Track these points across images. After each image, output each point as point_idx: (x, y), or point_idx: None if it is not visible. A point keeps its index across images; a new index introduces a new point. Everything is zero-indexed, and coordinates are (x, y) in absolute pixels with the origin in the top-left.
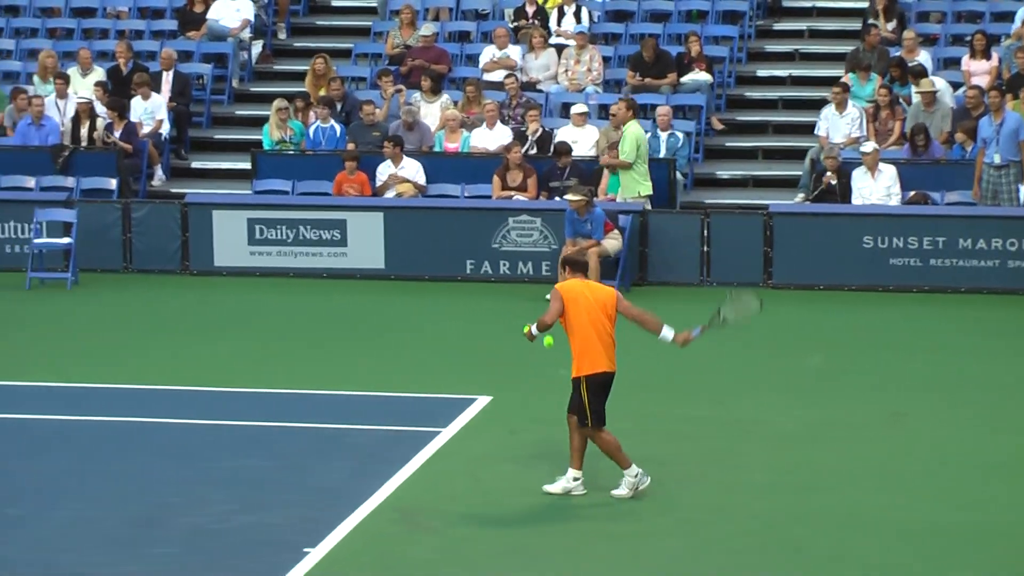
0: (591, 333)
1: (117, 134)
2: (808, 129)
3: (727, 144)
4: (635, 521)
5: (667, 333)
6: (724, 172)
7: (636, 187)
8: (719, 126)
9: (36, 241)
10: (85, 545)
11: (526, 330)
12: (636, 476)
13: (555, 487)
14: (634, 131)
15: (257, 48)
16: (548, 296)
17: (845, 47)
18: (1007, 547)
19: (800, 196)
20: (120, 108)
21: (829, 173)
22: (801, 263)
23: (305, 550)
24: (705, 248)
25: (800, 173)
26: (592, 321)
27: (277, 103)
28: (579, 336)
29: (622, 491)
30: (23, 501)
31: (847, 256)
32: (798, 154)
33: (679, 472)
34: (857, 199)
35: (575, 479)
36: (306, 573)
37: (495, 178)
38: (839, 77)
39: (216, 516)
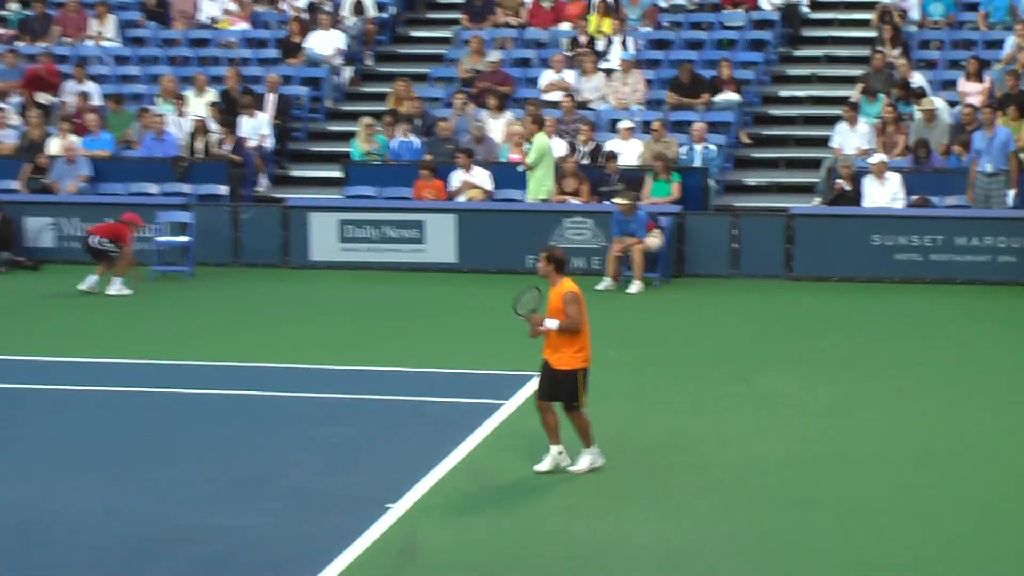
0: (586, 329)
1: (228, 148)
2: (824, 142)
3: (753, 155)
4: (673, 483)
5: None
6: (751, 179)
7: (539, 188)
8: (747, 139)
9: (158, 239)
10: (200, 501)
11: (538, 329)
12: (596, 453)
13: (544, 465)
14: (540, 141)
15: (348, 73)
16: (532, 288)
17: (856, 71)
18: (986, 508)
19: (817, 200)
20: (230, 125)
21: (842, 180)
22: (818, 258)
23: (387, 505)
24: (734, 245)
25: (817, 180)
26: (586, 318)
27: (365, 120)
28: (582, 332)
29: (581, 466)
30: (147, 464)
31: (858, 252)
32: (815, 164)
33: (708, 440)
34: (867, 202)
35: (559, 452)
36: (389, 526)
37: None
38: (851, 97)
39: (311, 476)
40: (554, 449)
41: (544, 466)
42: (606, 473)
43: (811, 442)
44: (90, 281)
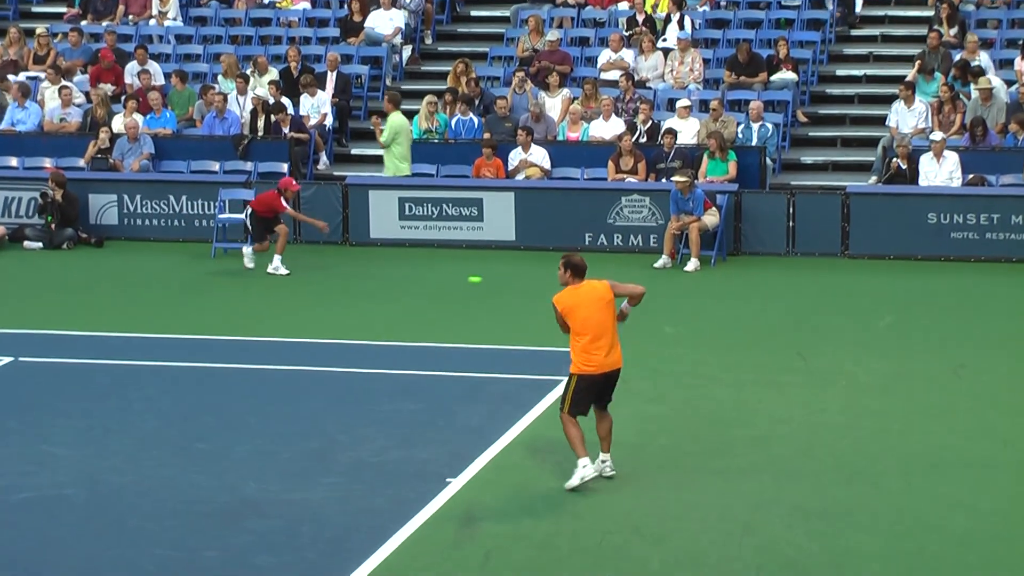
0: (593, 334)
1: (286, 130)
2: (881, 121)
3: (810, 134)
4: (731, 458)
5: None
6: (808, 158)
7: (395, 166)
8: (803, 118)
9: (220, 216)
10: (265, 475)
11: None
12: (584, 466)
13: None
14: (393, 120)
15: (407, 52)
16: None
17: (913, 50)
18: None
19: (873, 179)
20: (281, 109)
21: (899, 159)
22: (874, 236)
23: (447, 480)
24: (791, 223)
25: (874, 159)
26: (596, 323)
27: (428, 98)
28: (580, 338)
29: (572, 482)
30: (211, 438)
31: (914, 230)
32: (872, 142)
33: (768, 414)
34: (923, 181)
35: (603, 461)
36: (448, 499)
37: (610, 163)
38: (908, 76)
39: (374, 451)
40: (601, 456)
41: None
42: (666, 446)
43: (870, 417)
44: (247, 255)
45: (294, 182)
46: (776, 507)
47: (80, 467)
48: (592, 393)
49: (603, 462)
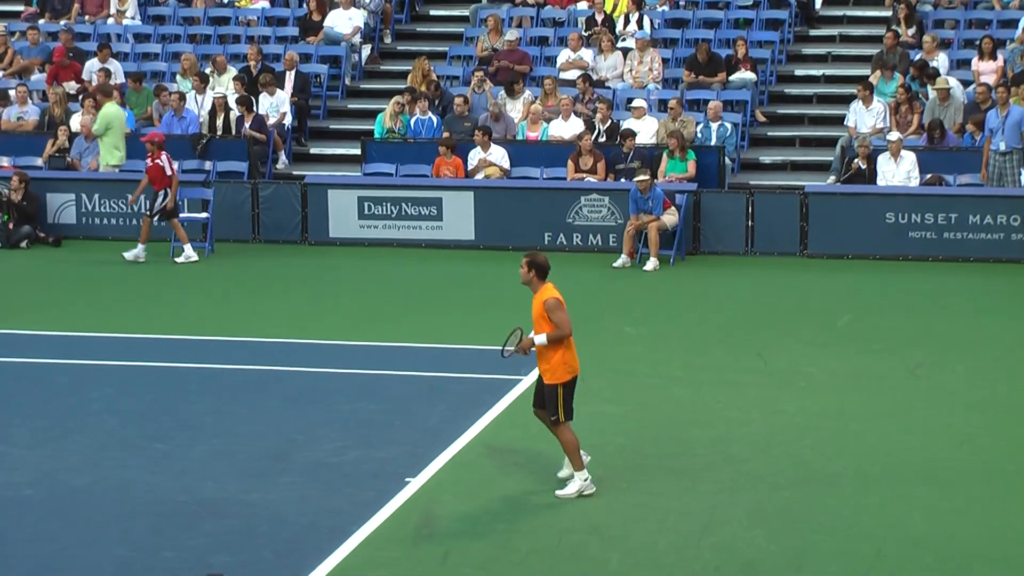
0: (572, 338)
1: (247, 125)
2: (839, 120)
3: (769, 133)
4: (690, 458)
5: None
6: (766, 157)
7: (108, 156)
8: (762, 118)
9: (179, 216)
10: (223, 475)
11: (514, 349)
12: (586, 480)
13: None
14: (106, 110)
15: (366, 51)
16: (515, 329)
17: (871, 50)
18: (1002, 480)
19: (832, 178)
20: (248, 103)
21: (858, 159)
22: (832, 236)
23: (407, 479)
24: (750, 223)
25: (832, 158)
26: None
27: (396, 98)
28: (566, 342)
29: (569, 491)
30: (169, 438)
31: (872, 230)
32: (830, 142)
33: (727, 415)
34: (881, 181)
35: (584, 479)
36: (407, 499)
37: (569, 162)
38: (866, 76)
39: (332, 451)
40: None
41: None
42: (624, 446)
43: (827, 417)
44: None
45: (157, 134)
46: (735, 507)
47: (38, 467)
48: (573, 393)
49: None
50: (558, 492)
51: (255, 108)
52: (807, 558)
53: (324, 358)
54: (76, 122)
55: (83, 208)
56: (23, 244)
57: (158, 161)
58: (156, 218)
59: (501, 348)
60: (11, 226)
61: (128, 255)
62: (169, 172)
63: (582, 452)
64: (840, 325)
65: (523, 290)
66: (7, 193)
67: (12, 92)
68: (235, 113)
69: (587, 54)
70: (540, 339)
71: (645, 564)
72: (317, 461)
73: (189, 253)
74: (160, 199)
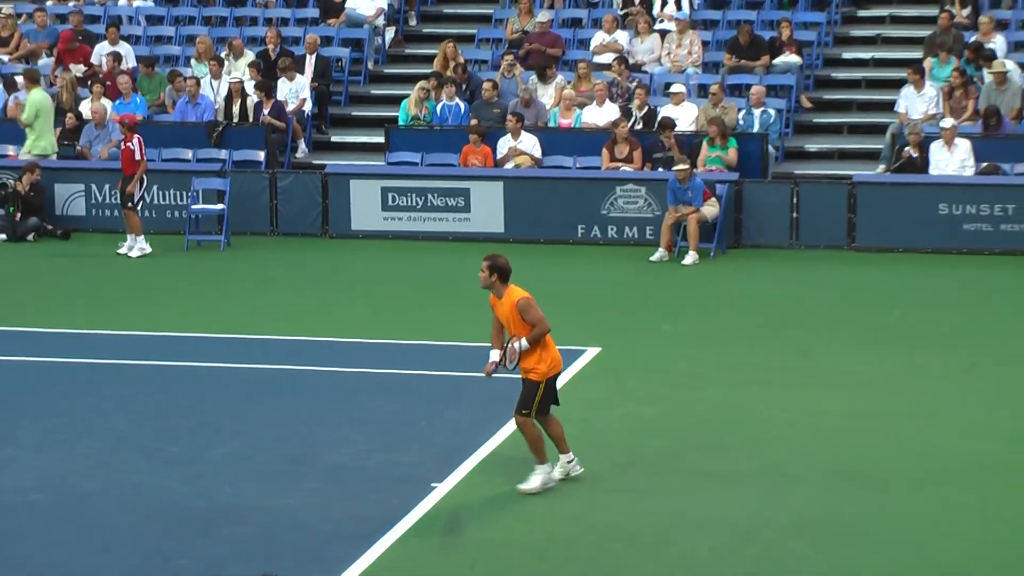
0: (550, 335)
1: (266, 111)
2: (889, 106)
3: (815, 120)
4: (729, 462)
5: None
6: (812, 145)
7: (32, 144)
8: (808, 104)
9: (193, 207)
10: (240, 479)
11: (513, 358)
12: (549, 472)
13: (555, 472)
14: (34, 97)
15: (390, 34)
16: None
17: (923, 32)
18: None
19: (881, 167)
20: (268, 89)
21: (909, 146)
22: (882, 228)
23: (433, 485)
24: (794, 214)
25: (882, 146)
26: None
27: (421, 83)
28: (544, 340)
29: (531, 484)
30: (184, 440)
31: (924, 222)
32: (880, 129)
33: (769, 417)
34: (934, 170)
35: (569, 461)
36: (433, 505)
37: (604, 151)
38: (918, 59)
39: (355, 454)
40: (562, 457)
41: (555, 474)
42: (661, 452)
43: (875, 419)
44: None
45: (130, 115)
46: (777, 515)
47: (46, 471)
48: (553, 394)
49: (569, 462)
50: (519, 486)
51: (274, 94)
52: (854, 569)
53: (345, 357)
54: (86, 108)
55: (93, 199)
56: (30, 237)
57: (129, 144)
58: (139, 204)
59: (501, 365)
60: (18, 218)
61: (133, 253)
62: (139, 157)
63: (576, 462)
64: (890, 322)
65: (555, 285)
66: (13, 184)
67: (19, 78)
68: (252, 99)
69: (623, 36)
70: (522, 344)
71: (684, 574)
72: (339, 465)
73: (143, 246)
74: (137, 185)
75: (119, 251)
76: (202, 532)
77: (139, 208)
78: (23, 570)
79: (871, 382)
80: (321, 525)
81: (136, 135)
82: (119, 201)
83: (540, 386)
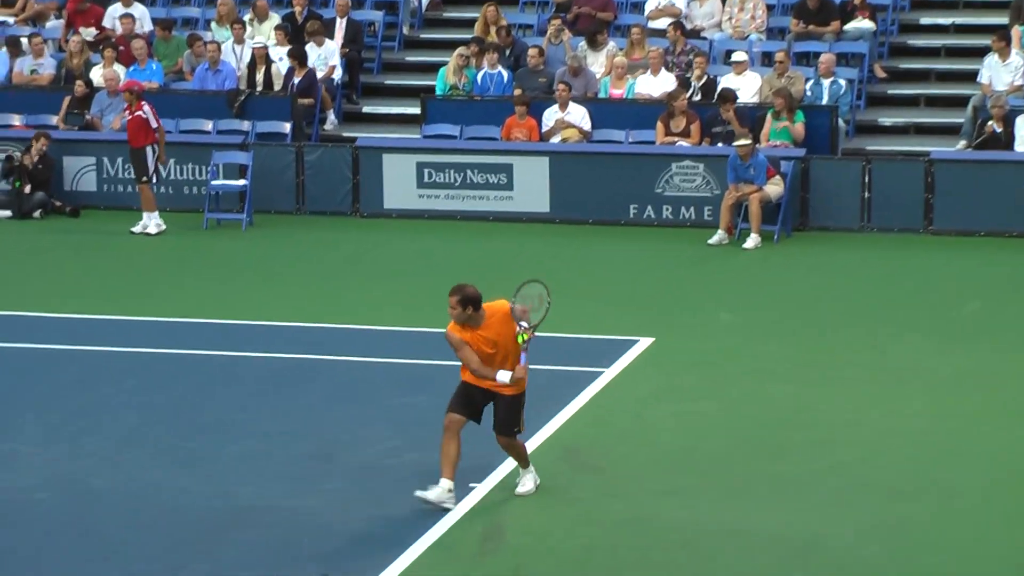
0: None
1: (296, 81)
2: (971, 77)
3: (889, 92)
4: (793, 463)
5: (503, 376)
6: (886, 119)
7: None
8: (882, 74)
9: (213, 183)
10: (261, 478)
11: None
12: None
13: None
14: None
15: None
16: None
17: None
18: None
19: (962, 143)
20: (301, 56)
21: (992, 121)
22: (962, 209)
23: (471, 485)
24: (866, 194)
25: (962, 121)
26: None
27: (459, 50)
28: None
29: (529, 487)
30: (198, 436)
31: (1009, 203)
32: (960, 102)
33: (835, 416)
34: (1020, 146)
35: (449, 490)
36: (472, 507)
37: (659, 124)
38: (1003, 25)
39: (383, 452)
40: (445, 484)
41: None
42: (718, 453)
43: (951, 420)
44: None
45: (135, 82)
46: (843, 521)
47: (51, 468)
48: None
49: (450, 491)
50: (520, 490)
51: (307, 62)
52: None
53: (374, 346)
54: (97, 75)
55: (104, 174)
56: (36, 214)
57: (139, 113)
58: (154, 178)
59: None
60: (26, 191)
61: (151, 230)
62: (155, 124)
63: (533, 477)
64: (968, 313)
65: (605, 270)
66: (19, 157)
67: (24, 40)
68: (277, 66)
69: (680, 0)
70: (523, 360)
71: None
72: (366, 464)
73: (160, 223)
74: (151, 157)
75: (133, 230)
76: (219, 535)
77: (154, 183)
78: (23, 571)
79: (947, 380)
80: (347, 528)
81: (145, 102)
82: (133, 175)
83: (522, 398)
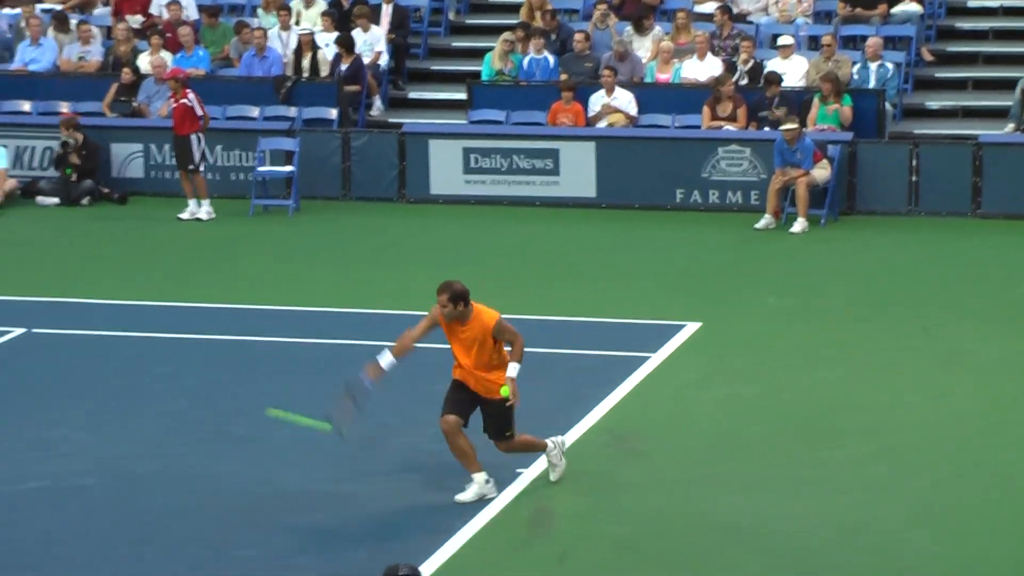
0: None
1: (343, 67)
2: (1020, 60)
3: (937, 75)
4: (841, 447)
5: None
6: (934, 103)
7: None
8: (929, 57)
9: (259, 169)
10: (308, 463)
11: (507, 392)
12: (487, 482)
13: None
14: None
15: None
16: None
17: None
18: None
19: (1011, 126)
20: (348, 43)
21: None
22: (1010, 193)
23: (518, 471)
24: (914, 178)
25: (1011, 104)
26: None
27: (506, 35)
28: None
29: (467, 495)
30: (245, 420)
31: None
32: (1009, 84)
33: (883, 400)
34: None
35: (486, 481)
36: (519, 493)
37: (705, 108)
38: None
39: (432, 437)
40: (480, 477)
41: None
42: (765, 437)
43: (1000, 403)
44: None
45: (178, 70)
46: (892, 505)
47: (98, 453)
48: None
49: (487, 482)
50: (458, 496)
51: (355, 48)
52: (976, 564)
53: None
54: (144, 62)
55: (152, 160)
56: (84, 201)
57: (184, 101)
58: (202, 167)
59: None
60: (75, 179)
61: (202, 215)
62: (200, 112)
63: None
64: (1017, 296)
65: (651, 255)
66: (73, 144)
67: (72, 23)
68: (323, 52)
69: None
70: (515, 369)
71: (791, 568)
72: (415, 449)
73: (210, 210)
74: (196, 144)
75: (180, 216)
76: (267, 521)
77: (202, 170)
78: (73, 561)
79: (997, 363)
80: (396, 514)
81: (189, 90)
82: (177, 164)
83: (513, 406)
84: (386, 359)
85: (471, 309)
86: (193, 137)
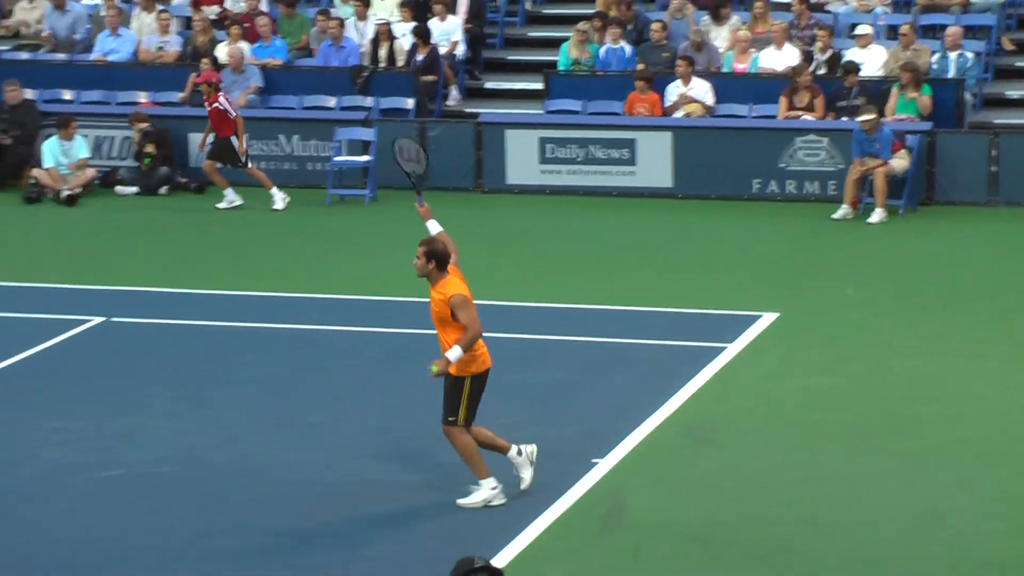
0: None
1: (420, 58)
2: None
3: (1017, 64)
4: (918, 438)
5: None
6: (1014, 92)
7: None
8: (1009, 46)
9: (336, 159)
10: (381, 452)
11: (436, 369)
12: (494, 489)
13: (519, 463)
14: None
15: None
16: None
17: None
18: None
19: None
20: (424, 34)
21: None
22: None
23: (594, 461)
24: (993, 168)
25: None
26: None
27: (581, 25)
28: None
29: (474, 500)
30: (320, 410)
31: None
32: None
33: (961, 390)
34: None
35: (493, 488)
36: (595, 483)
37: (782, 98)
38: None
39: (504, 428)
40: (520, 448)
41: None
42: (842, 427)
43: None
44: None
45: (211, 72)
46: (970, 496)
47: (176, 442)
48: (481, 394)
49: (520, 454)
50: (460, 500)
51: (431, 39)
52: None
53: (495, 321)
54: (222, 52)
55: None
56: (162, 190)
57: (217, 105)
58: (249, 163)
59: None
60: (154, 168)
61: (278, 204)
62: (233, 115)
63: (523, 446)
64: None
65: (728, 245)
66: (154, 133)
67: (149, 17)
68: (400, 43)
69: None
70: (455, 353)
71: (867, 560)
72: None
73: (283, 195)
74: (237, 144)
75: (218, 206)
76: (341, 509)
77: (248, 165)
78: (152, 547)
79: None
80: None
81: (221, 93)
82: (229, 164)
83: (466, 381)
84: (435, 226)
85: (444, 276)
86: (233, 138)
